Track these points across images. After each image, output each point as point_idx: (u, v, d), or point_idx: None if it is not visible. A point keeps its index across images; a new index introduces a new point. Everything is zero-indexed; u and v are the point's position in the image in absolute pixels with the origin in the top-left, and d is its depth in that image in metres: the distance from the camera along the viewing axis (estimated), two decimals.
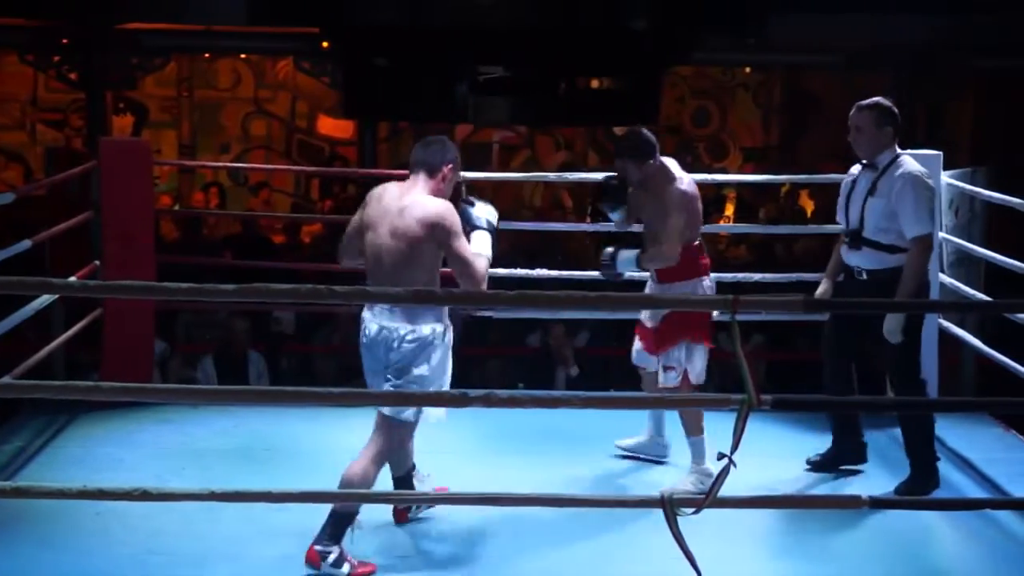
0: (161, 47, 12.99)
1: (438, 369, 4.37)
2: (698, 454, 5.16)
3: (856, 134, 5.23)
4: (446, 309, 4.44)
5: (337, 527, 4.31)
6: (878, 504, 3.95)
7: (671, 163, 5.32)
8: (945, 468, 5.48)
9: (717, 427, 3.68)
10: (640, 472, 5.41)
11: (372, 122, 12.70)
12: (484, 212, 4.57)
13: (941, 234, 6.23)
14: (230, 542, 4.57)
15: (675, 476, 5.23)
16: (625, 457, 5.52)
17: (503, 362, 8.63)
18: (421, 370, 4.34)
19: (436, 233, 4.31)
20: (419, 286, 4.23)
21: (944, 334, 6.30)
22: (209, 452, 5.58)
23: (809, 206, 12.92)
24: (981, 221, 6.62)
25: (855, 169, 5.34)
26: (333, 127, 14.17)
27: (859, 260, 5.23)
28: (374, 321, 4.44)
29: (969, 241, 6.37)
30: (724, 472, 3.59)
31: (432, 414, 4.47)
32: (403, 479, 4.75)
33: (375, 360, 4.45)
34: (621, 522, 4.56)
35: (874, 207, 5.16)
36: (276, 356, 8.60)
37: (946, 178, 6.28)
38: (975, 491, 5.27)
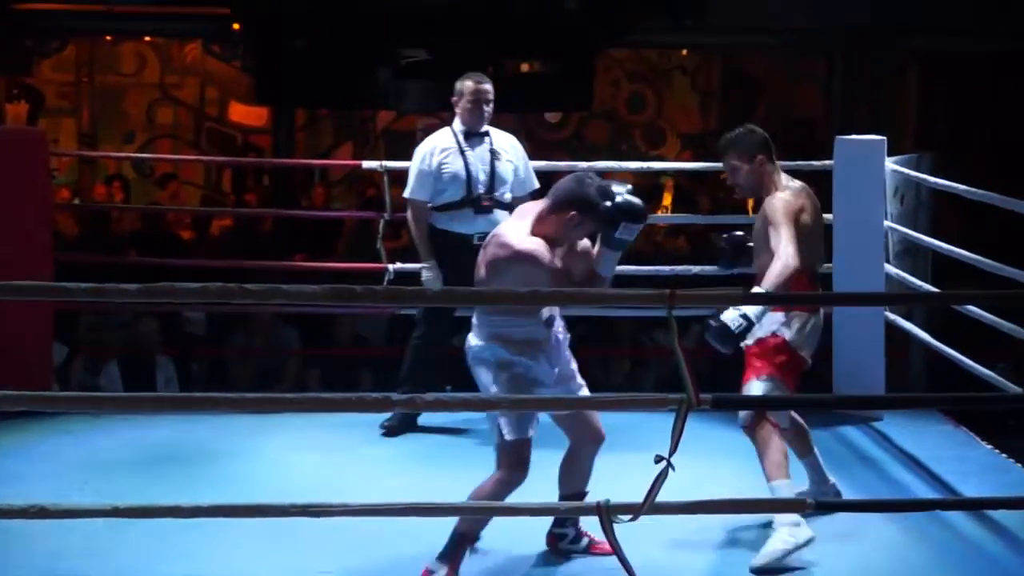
0: (58, 29, 12.80)
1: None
2: (812, 472, 4.90)
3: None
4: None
5: (454, 546, 4.29)
6: (823, 507, 3.98)
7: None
8: (893, 467, 5.55)
9: (656, 427, 3.69)
10: (610, 477, 5.40)
11: (288, 109, 12.62)
12: (626, 229, 4.25)
13: (886, 223, 6.31)
14: (137, 561, 4.51)
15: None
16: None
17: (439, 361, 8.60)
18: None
19: (515, 271, 4.23)
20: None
21: (891, 327, 6.38)
22: (114, 465, 5.51)
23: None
24: (927, 209, 6.70)
25: None
26: (246, 114, 14.05)
27: None
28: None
29: (915, 230, 6.45)
30: (662, 476, 3.60)
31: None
32: (571, 498, 4.51)
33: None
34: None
35: None
36: (186, 360, 8.52)
37: (890, 164, 6.36)
38: (925, 491, 5.33)
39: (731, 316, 4.37)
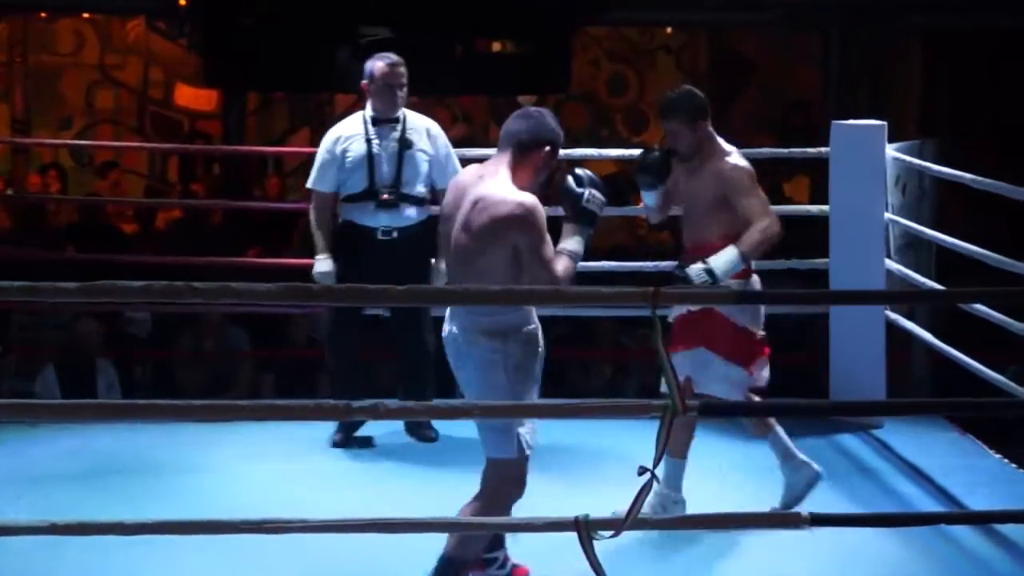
0: None
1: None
2: (670, 476, 4.98)
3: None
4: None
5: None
6: (820, 521, 3.99)
7: None
8: (895, 478, 5.57)
9: (640, 436, 3.71)
10: (590, 491, 5.42)
11: (238, 92, 12.58)
12: (593, 199, 4.24)
13: (887, 215, 6.33)
14: None
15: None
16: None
17: (396, 367, 8.59)
18: None
19: (514, 236, 4.10)
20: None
21: (892, 328, 6.40)
22: (50, 477, 5.49)
23: None
24: (931, 200, 6.73)
25: None
26: (193, 98, 14.00)
27: None
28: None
29: (918, 222, 6.47)
30: (646, 488, 3.61)
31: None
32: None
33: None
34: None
35: None
36: (129, 364, 8.50)
37: (891, 151, 6.38)
38: (929, 504, 5.36)
39: (696, 271, 4.71)
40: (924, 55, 12.97)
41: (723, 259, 4.81)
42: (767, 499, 5.14)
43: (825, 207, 6.53)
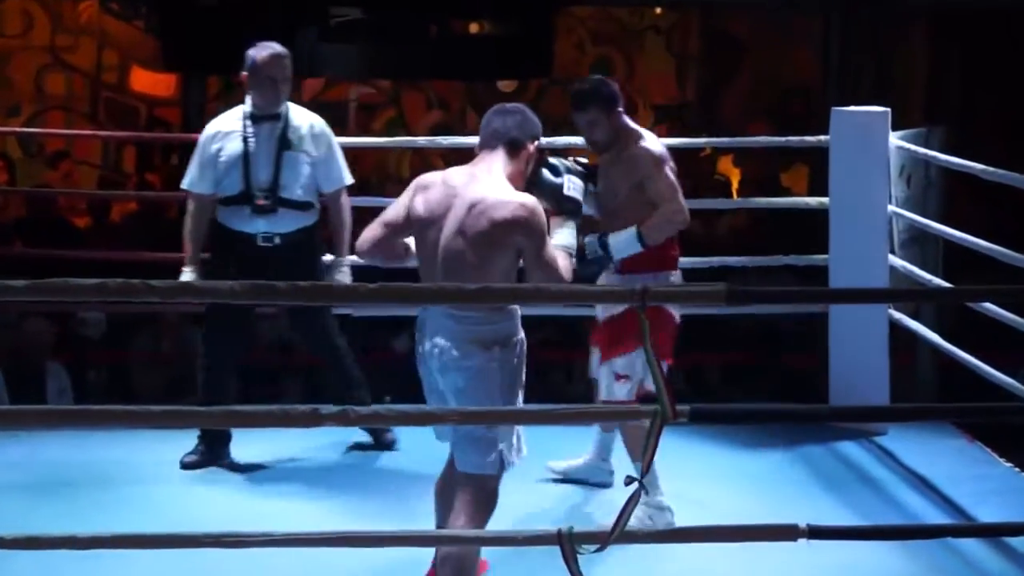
0: None
1: None
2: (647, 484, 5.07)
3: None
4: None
5: None
6: (818, 533, 3.99)
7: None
8: (898, 488, 5.58)
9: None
10: (574, 501, 5.43)
11: (199, 76, 12.55)
12: (573, 186, 4.37)
13: (891, 207, 6.35)
14: None
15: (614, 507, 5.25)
16: (559, 482, 5.53)
17: (366, 371, 8.59)
18: None
19: (519, 240, 4.11)
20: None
21: (896, 328, 6.41)
22: None
23: (735, 175, 13.08)
24: (938, 191, 6.74)
25: None
26: (150, 83, 13.97)
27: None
28: None
29: (924, 215, 6.49)
30: (633, 499, 3.61)
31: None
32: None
33: None
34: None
35: None
36: (82, 367, 8.48)
37: (895, 140, 6.40)
38: (935, 515, 5.37)
39: (591, 242, 4.97)
40: (930, 37, 12.99)
41: (621, 237, 5.05)
42: (762, 510, 5.16)
43: (825, 199, 6.55)
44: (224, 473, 5.74)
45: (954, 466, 5.89)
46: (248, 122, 5.72)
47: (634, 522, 4.86)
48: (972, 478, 5.74)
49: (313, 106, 6.03)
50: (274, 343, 8.63)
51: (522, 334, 4.28)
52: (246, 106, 5.76)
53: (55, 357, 8.07)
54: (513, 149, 4.25)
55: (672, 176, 5.13)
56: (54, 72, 14.00)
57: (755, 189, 11.12)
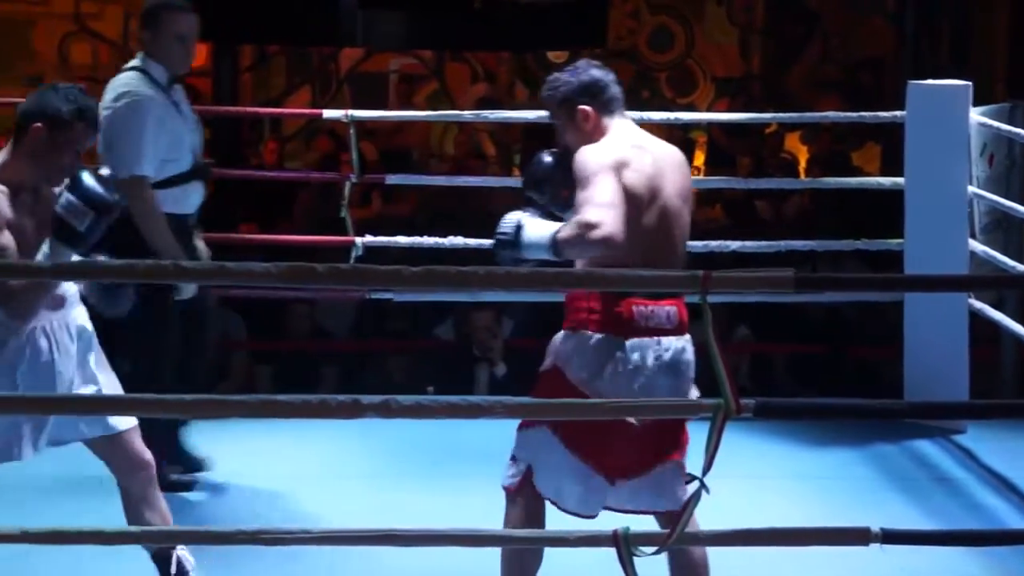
0: None
1: None
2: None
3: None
4: None
5: None
6: (892, 538, 3.98)
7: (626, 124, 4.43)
8: (978, 490, 5.56)
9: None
10: None
11: (231, 45, 12.59)
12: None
13: (971, 189, 6.32)
14: None
15: None
16: None
17: (408, 359, 8.63)
18: None
19: None
20: None
21: (976, 318, 6.38)
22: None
23: (802, 153, 13.03)
24: (1022, 171, 6.70)
25: None
26: None
27: None
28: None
29: (1007, 197, 6.45)
30: (694, 499, 3.61)
31: None
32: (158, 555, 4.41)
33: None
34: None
35: None
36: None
37: (976, 116, 6.36)
38: (1016, 520, 5.35)
39: (510, 218, 4.26)
40: (1014, 3, 12.91)
41: (537, 230, 4.19)
42: (830, 512, 5.15)
43: (900, 180, 6.51)
44: (263, 467, 5.75)
45: None
46: (167, 87, 5.52)
47: None
48: None
49: (349, 79, 6.03)
50: (309, 332, 8.66)
51: None
52: (151, 69, 5.54)
53: None
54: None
55: (613, 186, 4.07)
56: (79, 40, 14.09)
57: (825, 168, 11.06)
